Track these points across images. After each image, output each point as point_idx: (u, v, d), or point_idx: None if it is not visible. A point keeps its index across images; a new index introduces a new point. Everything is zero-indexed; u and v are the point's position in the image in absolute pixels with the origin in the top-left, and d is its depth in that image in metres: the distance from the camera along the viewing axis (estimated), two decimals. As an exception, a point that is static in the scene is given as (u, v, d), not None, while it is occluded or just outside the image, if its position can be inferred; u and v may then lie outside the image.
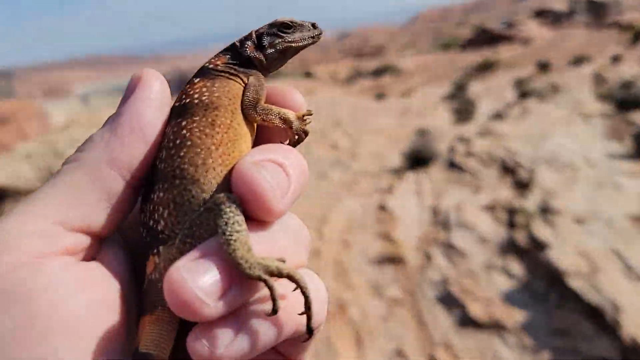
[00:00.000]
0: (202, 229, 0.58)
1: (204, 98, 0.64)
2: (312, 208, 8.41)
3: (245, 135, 0.65)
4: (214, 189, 0.61)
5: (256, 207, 0.57)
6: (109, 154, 0.59)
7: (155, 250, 0.60)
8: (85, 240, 0.58)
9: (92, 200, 0.58)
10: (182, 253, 0.57)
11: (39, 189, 0.58)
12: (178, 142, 0.62)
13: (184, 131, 0.62)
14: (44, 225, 0.55)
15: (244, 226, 0.55)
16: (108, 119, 0.62)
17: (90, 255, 0.60)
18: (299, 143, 0.68)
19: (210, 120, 0.63)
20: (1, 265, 0.52)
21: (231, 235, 0.54)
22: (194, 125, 0.62)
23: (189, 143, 0.62)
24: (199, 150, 0.62)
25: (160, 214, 0.61)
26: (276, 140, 0.69)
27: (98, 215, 0.58)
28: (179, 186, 0.61)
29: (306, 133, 0.68)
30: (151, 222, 0.61)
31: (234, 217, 0.55)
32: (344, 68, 45.41)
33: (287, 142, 0.68)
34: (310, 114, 0.69)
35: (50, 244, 0.55)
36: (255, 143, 0.68)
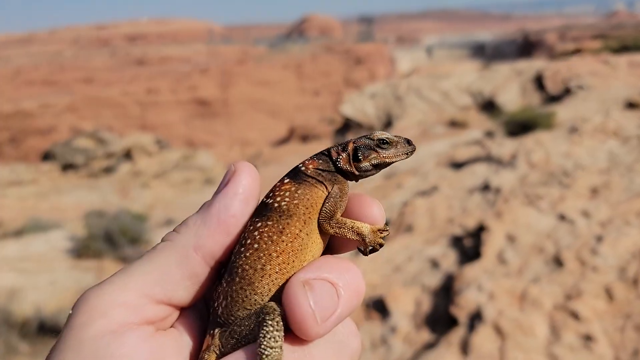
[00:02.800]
0: (247, 330, 0.64)
1: (283, 204, 0.69)
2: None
3: (312, 245, 0.69)
4: (267, 295, 0.66)
5: (295, 328, 0.62)
6: (196, 240, 0.67)
7: (212, 331, 0.68)
8: (166, 311, 0.67)
9: (177, 278, 0.66)
10: (227, 345, 0.65)
11: (135, 262, 0.68)
12: (248, 241, 0.67)
13: (256, 232, 0.68)
14: (133, 297, 0.64)
15: (280, 342, 0.60)
16: (203, 205, 0.70)
17: (170, 322, 0.69)
18: (373, 252, 0.71)
19: (280, 227, 0.67)
20: (95, 328, 0.61)
21: (264, 350, 0.59)
22: (266, 229, 0.67)
23: (255, 245, 0.67)
24: (262, 255, 0.66)
25: (220, 302, 0.68)
26: (351, 247, 0.73)
27: (180, 292, 0.67)
28: (238, 283, 0.67)
29: (381, 245, 0.70)
30: (215, 305, 0.69)
31: (272, 332, 0.60)
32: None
33: (362, 250, 0.71)
34: (387, 229, 0.71)
35: (135, 314, 0.63)
36: (331, 246, 0.73)
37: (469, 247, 6.63)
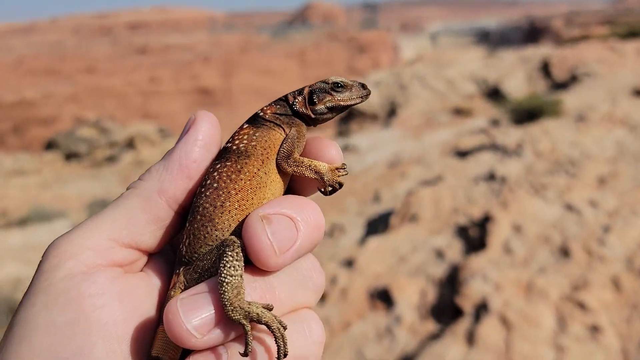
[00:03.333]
0: (209, 264, 0.66)
1: (241, 145, 0.72)
2: None
3: (271, 184, 0.71)
4: (228, 230, 0.68)
5: (254, 259, 0.65)
6: (160, 185, 0.69)
7: (177, 270, 0.70)
8: (134, 255, 0.70)
9: (142, 223, 0.69)
10: (191, 280, 0.67)
11: (102, 210, 0.70)
12: (208, 182, 0.70)
13: (215, 173, 0.70)
14: (100, 241, 0.66)
15: (240, 271, 0.63)
16: (165, 153, 0.73)
17: (139, 267, 0.71)
18: (333, 192, 0.73)
19: (239, 167, 0.70)
20: (65, 270, 0.63)
21: (224, 278, 0.62)
22: (225, 169, 0.70)
23: (215, 185, 0.69)
24: (221, 192, 0.69)
25: (184, 241, 0.70)
26: (311, 188, 0.75)
27: (146, 236, 0.69)
28: (199, 221, 0.69)
29: (340, 185, 0.73)
30: (180, 246, 0.71)
31: (232, 262, 0.62)
32: None
33: (323, 191, 0.73)
34: (344, 167, 0.73)
35: (103, 257, 0.66)
36: (292, 189, 0.76)
37: (474, 237, 6.58)
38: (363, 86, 0.78)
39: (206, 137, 0.71)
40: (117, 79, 62.78)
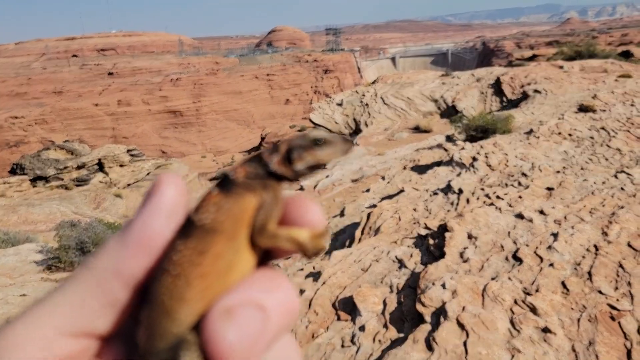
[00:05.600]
0: None
1: (207, 220, 0.61)
2: (599, 202, 7.94)
3: (241, 263, 0.61)
4: (187, 326, 0.58)
5: None
6: (115, 263, 0.61)
7: None
8: (86, 344, 0.61)
9: (96, 307, 0.60)
10: None
11: (49, 293, 0.61)
12: (167, 266, 0.60)
13: (175, 256, 0.59)
14: (47, 332, 0.58)
15: None
16: (124, 224, 0.64)
17: (91, 355, 0.62)
18: (317, 255, 0.64)
19: (203, 247, 0.59)
20: None
21: None
22: (186, 251, 0.59)
23: (174, 271, 0.59)
24: (181, 281, 0.58)
25: (139, 329, 0.61)
26: (290, 252, 0.66)
27: (101, 321, 0.61)
28: (155, 313, 0.59)
29: (323, 249, 0.64)
30: (138, 333, 0.61)
31: None
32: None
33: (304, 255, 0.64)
34: (327, 232, 0.65)
35: (49, 350, 0.58)
36: (268, 252, 0.65)
37: (433, 246, 6.83)
38: (345, 139, 0.69)
39: (170, 206, 0.60)
40: (85, 101, 61.38)
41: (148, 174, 24.77)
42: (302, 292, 6.05)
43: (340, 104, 31.75)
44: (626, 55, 41.41)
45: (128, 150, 26.07)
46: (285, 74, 79.66)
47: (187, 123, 62.21)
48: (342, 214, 10.97)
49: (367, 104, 30.58)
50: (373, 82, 36.42)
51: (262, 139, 52.91)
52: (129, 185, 23.60)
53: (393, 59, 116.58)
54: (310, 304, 5.82)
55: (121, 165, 23.85)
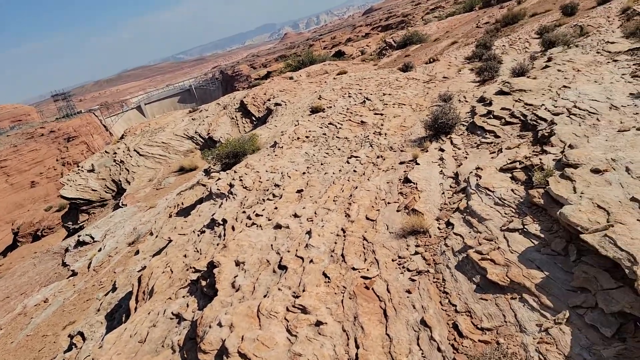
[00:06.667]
0: None
1: None
2: (339, 189, 8.90)
3: None
4: None
5: None
6: None
7: None
8: None
9: None
10: None
11: None
12: None
13: None
14: None
15: None
16: None
17: None
18: None
19: None
20: None
21: None
22: None
23: None
24: None
25: None
26: None
27: None
28: None
29: None
30: None
31: None
32: (373, 43, 44.88)
33: None
34: None
35: None
36: None
37: (206, 287, 6.70)
38: None
39: None
40: None
41: None
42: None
43: (92, 170, 29.24)
44: (339, 55, 48.31)
45: None
46: (21, 155, 69.98)
47: None
48: (113, 289, 10.02)
49: (121, 161, 28.81)
50: (121, 138, 34.50)
51: (16, 233, 45.49)
52: None
53: (139, 108, 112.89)
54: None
55: None
